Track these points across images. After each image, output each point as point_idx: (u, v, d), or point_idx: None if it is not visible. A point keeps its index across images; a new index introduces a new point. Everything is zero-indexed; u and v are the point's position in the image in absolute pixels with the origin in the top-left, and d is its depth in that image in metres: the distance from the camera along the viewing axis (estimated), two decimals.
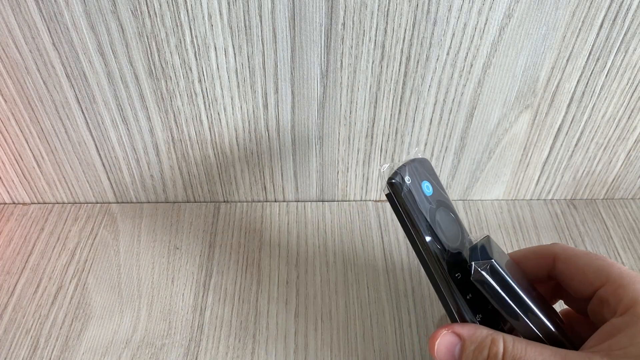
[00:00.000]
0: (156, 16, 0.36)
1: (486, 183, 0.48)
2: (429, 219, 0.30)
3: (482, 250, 0.30)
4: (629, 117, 0.43)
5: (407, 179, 0.30)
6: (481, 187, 0.49)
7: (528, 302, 0.28)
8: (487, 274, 0.28)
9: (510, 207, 0.50)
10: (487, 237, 0.31)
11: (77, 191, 0.49)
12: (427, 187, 0.31)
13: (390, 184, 0.30)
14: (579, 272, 0.28)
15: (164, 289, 0.43)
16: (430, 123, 0.43)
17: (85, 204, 0.50)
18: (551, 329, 0.28)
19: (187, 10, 0.35)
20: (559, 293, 0.33)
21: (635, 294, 0.25)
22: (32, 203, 0.50)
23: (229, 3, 0.35)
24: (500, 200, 0.50)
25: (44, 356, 0.38)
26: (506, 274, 0.28)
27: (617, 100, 0.42)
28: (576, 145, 0.46)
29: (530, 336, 0.28)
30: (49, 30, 0.36)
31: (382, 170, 0.30)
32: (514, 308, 0.28)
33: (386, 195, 0.30)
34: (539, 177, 0.48)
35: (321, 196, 0.49)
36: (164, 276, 0.44)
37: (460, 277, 0.30)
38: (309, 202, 0.50)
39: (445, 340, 0.28)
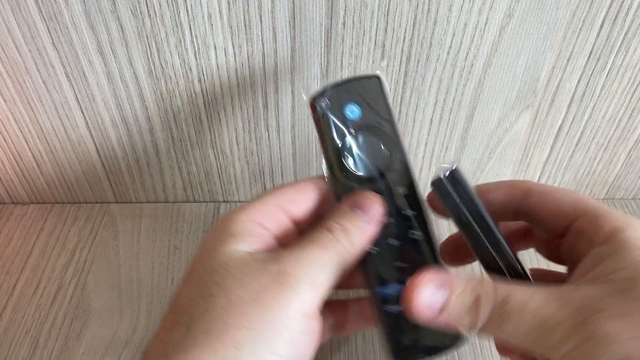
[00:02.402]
0: (156, 16, 0.36)
1: None
2: (338, 141, 0.29)
3: (450, 173, 0.28)
4: (629, 117, 0.43)
5: (324, 102, 0.29)
6: None
7: (492, 225, 0.26)
8: (447, 180, 0.27)
9: None
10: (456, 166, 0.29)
11: (76, 191, 0.49)
12: (351, 111, 0.30)
13: (310, 104, 0.30)
14: (554, 205, 0.27)
15: (164, 289, 0.42)
16: (431, 123, 0.43)
17: (85, 204, 0.50)
18: (518, 266, 0.27)
19: (187, 10, 0.35)
20: (528, 238, 0.31)
21: (615, 222, 0.24)
22: (31, 203, 0.50)
23: (229, 3, 0.35)
24: None
25: (44, 356, 0.38)
26: (469, 186, 0.27)
27: (617, 100, 0.42)
28: (577, 145, 0.46)
29: (492, 268, 0.27)
30: (49, 30, 0.36)
31: (308, 91, 0.30)
32: (474, 227, 0.26)
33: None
34: (539, 177, 0.48)
35: None
36: (163, 276, 0.43)
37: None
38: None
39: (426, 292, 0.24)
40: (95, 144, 0.44)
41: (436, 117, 0.42)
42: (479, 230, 0.26)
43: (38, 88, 0.40)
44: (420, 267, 0.26)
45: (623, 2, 0.36)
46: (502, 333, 0.23)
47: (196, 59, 0.38)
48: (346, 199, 0.29)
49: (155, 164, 0.46)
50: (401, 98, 0.41)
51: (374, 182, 0.30)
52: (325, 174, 0.30)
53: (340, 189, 0.30)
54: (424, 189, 0.29)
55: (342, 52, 0.38)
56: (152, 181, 0.48)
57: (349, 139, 0.30)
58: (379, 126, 0.30)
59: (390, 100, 0.31)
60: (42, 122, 0.42)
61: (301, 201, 0.30)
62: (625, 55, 0.39)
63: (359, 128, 0.30)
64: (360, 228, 0.27)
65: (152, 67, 0.38)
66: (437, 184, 0.27)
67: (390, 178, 0.30)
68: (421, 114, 0.42)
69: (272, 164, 0.46)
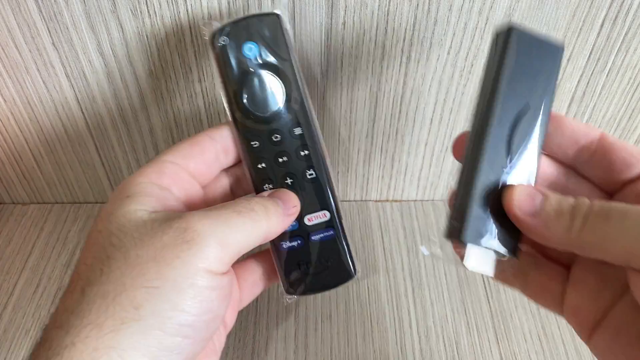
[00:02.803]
0: (156, 15, 0.36)
1: None
2: (236, 80, 0.30)
3: None
4: (629, 117, 0.43)
5: (223, 39, 0.30)
6: None
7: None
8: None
9: None
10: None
11: (76, 191, 0.49)
12: (249, 49, 0.30)
13: (210, 41, 0.30)
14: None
15: None
16: (431, 123, 0.43)
17: (85, 204, 0.50)
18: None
19: (186, 10, 0.35)
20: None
21: None
22: (31, 203, 0.50)
23: (228, 3, 0.35)
24: None
25: None
26: None
27: (617, 100, 0.42)
28: None
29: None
30: (49, 30, 0.36)
31: (209, 29, 0.30)
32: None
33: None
34: None
35: None
36: None
37: (258, 146, 0.30)
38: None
39: (526, 189, 0.24)
40: (95, 144, 0.44)
41: (436, 117, 0.42)
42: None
43: (38, 88, 0.40)
44: (316, 204, 0.28)
45: (623, 2, 0.36)
46: (601, 236, 0.21)
47: (196, 59, 0.38)
48: (266, 192, 0.30)
49: None
50: (401, 98, 0.41)
51: (272, 122, 0.30)
52: (227, 115, 0.30)
53: (241, 131, 0.30)
54: None
55: (342, 52, 0.38)
56: None
57: (247, 78, 0.30)
58: (278, 65, 0.30)
59: (291, 39, 0.31)
60: (42, 122, 0.42)
61: (198, 155, 0.29)
62: (625, 55, 0.39)
63: (257, 67, 0.30)
64: (279, 214, 0.28)
65: (152, 67, 0.38)
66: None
67: (288, 118, 0.30)
68: (421, 114, 0.42)
69: None
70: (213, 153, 0.30)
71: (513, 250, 0.24)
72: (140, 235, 0.23)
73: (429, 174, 0.47)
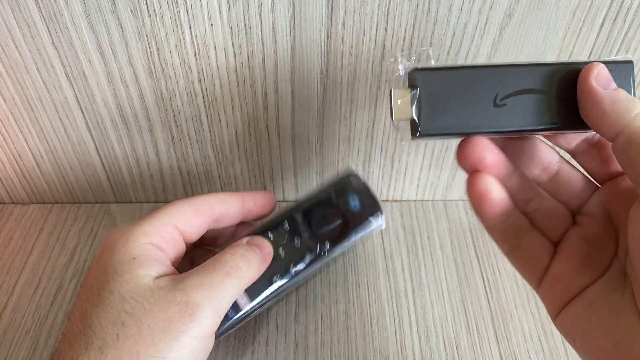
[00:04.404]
0: (156, 15, 0.36)
1: None
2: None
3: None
4: None
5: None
6: None
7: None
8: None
9: None
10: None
11: (76, 191, 0.49)
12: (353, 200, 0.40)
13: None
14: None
15: None
16: None
17: (85, 204, 0.50)
18: None
19: (186, 10, 0.35)
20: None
21: None
22: (31, 203, 0.50)
23: (229, 3, 0.35)
24: None
25: (44, 356, 0.38)
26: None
27: None
28: None
29: None
30: (49, 30, 0.36)
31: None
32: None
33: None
34: None
35: None
36: None
37: None
38: None
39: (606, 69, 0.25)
40: (95, 144, 0.44)
41: None
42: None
43: (38, 88, 0.40)
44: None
45: (623, 2, 0.36)
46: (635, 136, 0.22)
47: (196, 59, 0.38)
48: (244, 237, 0.34)
49: (155, 163, 0.46)
50: None
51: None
52: None
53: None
54: None
55: (342, 52, 0.38)
56: (152, 181, 0.48)
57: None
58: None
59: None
60: (42, 122, 0.42)
61: (197, 223, 0.33)
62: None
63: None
64: (257, 261, 0.32)
65: (152, 67, 0.38)
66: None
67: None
68: None
69: (272, 164, 0.46)
70: (208, 222, 0.34)
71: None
72: (150, 305, 0.27)
73: (429, 174, 0.47)
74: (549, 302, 0.26)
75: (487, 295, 0.42)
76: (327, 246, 0.38)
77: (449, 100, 0.24)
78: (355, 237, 0.39)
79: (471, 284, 0.43)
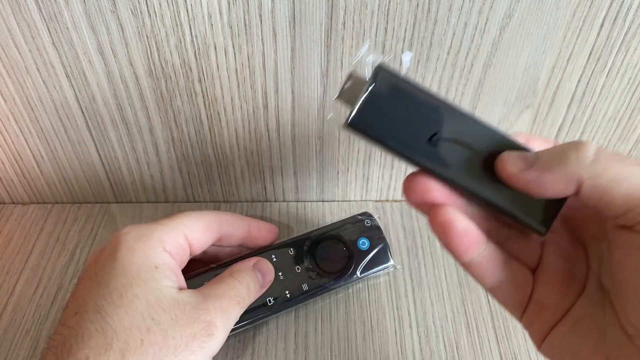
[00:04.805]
0: (156, 15, 0.36)
1: None
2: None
3: None
4: (629, 117, 0.43)
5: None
6: None
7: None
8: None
9: None
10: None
11: (76, 191, 0.49)
12: (363, 244, 0.43)
13: None
14: None
15: None
16: None
17: (85, 204, 0.50)
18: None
19: (186, 10, 0.35)
20: None
21: None
22: (31, 203, 0.50)
23: (229, 3, 0.35)
24: None
25: None
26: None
27: (617, 100, 0.42)
28: None
29: None
30: (49, 30, 0.36)
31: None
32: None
33: None
34: None
35: (321, 196, 0.49)
36: None
37: None
38: (309, 202, 0.50)
39: (514, 152, 0.24)
40: (95, 144, 0.44)
41: None
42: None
43: (38, 88, 0.40)
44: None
45: (623, 2, 0.36)
46: (616, 173, 0.20)
47: (196, 59, 0.38)
48: (251, 259, 0.37)
49: (155, 164, 0.46)
50: None
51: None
52: None
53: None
54: None
55: (342, 52, 0.38)
56: (152, 181, 0.48)
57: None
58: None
59: None
60: (42, 122, 0.42)
61: (205, 239, 0.35)
62: (625, 55, 0.39)
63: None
64: (257, 288, 0.35)
65: (152, 67, 0.38)
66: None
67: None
68: None
69: (272, 164, 0.46)
70: (214, 239, 0.36)
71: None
72: (176, 317, 0.28)
73: None
74: (534, 330, 0.25)
75: (487, 295, 0.42)
76: (328, 279, 0.40)
77: (393, 110, 0.23)
78: (360, 276, 0.41)
79: (471, 284, 0.43)
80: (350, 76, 0.24)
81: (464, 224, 0.24)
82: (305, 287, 0.39)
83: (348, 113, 0.23)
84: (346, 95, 0.24)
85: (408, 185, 0.25)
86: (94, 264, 0.31)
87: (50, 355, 0.27)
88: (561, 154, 0.22)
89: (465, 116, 0.24)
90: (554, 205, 0.24)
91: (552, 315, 0.24)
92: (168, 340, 0.27)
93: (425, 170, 0.24)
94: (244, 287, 0.33)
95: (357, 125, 0.23)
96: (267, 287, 0.37)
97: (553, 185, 0.22)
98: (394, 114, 0.23)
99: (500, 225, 0.26)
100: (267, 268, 0.37)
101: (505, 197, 0.24)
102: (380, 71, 0.23)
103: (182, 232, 0.33)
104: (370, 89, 0.23)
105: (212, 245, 0.37)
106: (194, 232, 0.34)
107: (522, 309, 0.26)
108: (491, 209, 0.25)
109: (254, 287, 0.35)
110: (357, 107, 0.23)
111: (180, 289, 0.31)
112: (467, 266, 0.25)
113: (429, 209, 0.24)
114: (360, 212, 0.45)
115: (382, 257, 0.42)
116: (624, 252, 0.21)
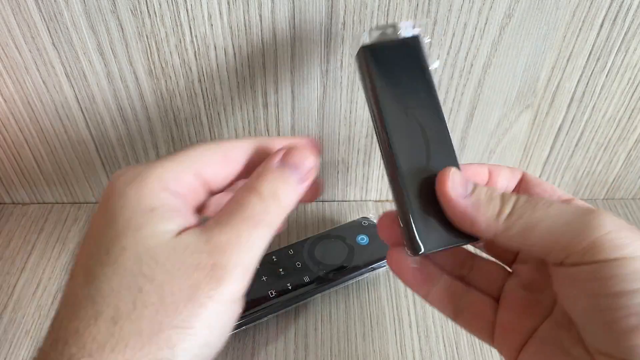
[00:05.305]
0: (156, 16, 0.36)
1: None
2: None
3: None
4: (629, 117, 0.43)
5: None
6: None
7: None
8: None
9: None
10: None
11: (76, 191, 0.49)
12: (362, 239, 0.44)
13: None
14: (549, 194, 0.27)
15: None
16: None
17: (85, 204, 0.50)
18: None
19: (186, 10, 0.35)
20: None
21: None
22: (31, 203, 0.50)
23: (228, 3, 0.35)
24: None
25: None
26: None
27: (617, 100, 0.42)
28: (576, 145, 0.46)
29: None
30: (49, 30, 0.36)
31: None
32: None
33: None
34: (539, 177, 0.48)
35: (321, 196, 0.49)
36: None
37: None
38: (309, 202, 0.50)
39: (459, 174, 0.25)
40: (95, 144, 0.44)
41: None
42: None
43: (38, 88, 0.40)
44: None
45: (623, 2, 0.36)
46: (528, 221, 0.23)
47: (196, 59, 0.38)
48: (276, 153, 0.26)
49: None
50: None
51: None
52: None
53: None
54: None
55: (342, 52, 0.38)
56: None
57: None
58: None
59: None
60: (42, 122, 0.42)
61: (224, 174, 0.27)
62: (625, 55, 0.39)
63: None
64: (291, 190, 0.25)
65: (152, 67, 0.38)
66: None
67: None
68: None
69: None
70: (238, 172, 0.27)
71: (469, 235, 0.25)
72: (172, 268, 0.23)
73: None
74: (505, 352, 0.26)
75: None
76: (329, 271, 0.40)
77: (399, 70, 0.27)
78: (361, 270, 0.41)
79: None
80: (392, 26, 0.27)
81: (414, 262, 0.27)
82: (306, 278, 0.40)
83: (369, 41, 0.27)
84: (378, 33, 0.27)
85: (379, 221, 0.27)
86: (91, 220, 0.26)
87: (50, 331, 0.23)
88: (488, 201, 0.24)
89: (440, 120, 0.27)
90: (453, 238, 0.25)
91: (518, 337, 0.25)
92: (165, 298, 0.22)
93: (382, 139, 0.26)
94: (267, 198, 0.24)
95: (369, 53, 0.26)
96: (310, 180, 0.26)
97: (473, 226, 0.24)
98: (397, 73, 0.26)
99: (463, 260, 0.28)
100: (301, 156, 0.26)
101: (421, 204, 0.25)
102: (414, 39, 0.27)
103: (190, 168, 0.26)
104: (397, 41, 0.27)
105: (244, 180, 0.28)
106: (206, 165, 0.26)
107: (490, 334, 0.27)
108: (397, 204, 0.26)
109: (286, 189, 0.25)
110: (379, 43, 0.27)
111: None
112: (426, 298, 0.28)
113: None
114: (359, 217, 0.46)
115: (382, 251, 0.42)
116: (562, 284, 0.23)
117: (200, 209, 0.27)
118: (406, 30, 0.27)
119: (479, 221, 0.23)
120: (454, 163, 0.26)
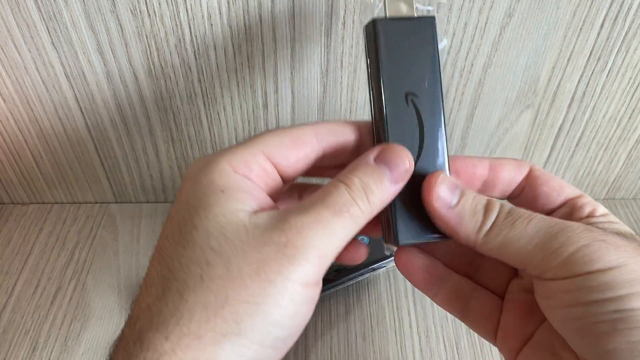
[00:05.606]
0: (155, 15, 0.36)
1: None
2: None
3: None
4: (629, 117, 0.43)
5: None
6: None
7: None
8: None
9: None
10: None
11: (76, 191, 0.49)
12: None
13: None
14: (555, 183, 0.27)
15: None
16: None
17: (85, 204, 0.50)
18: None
19: (186, 10, 0.35)
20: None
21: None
22: (31, 203, 0.50)
23: (228, 2, 0.35)
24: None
25: (43, 357, 0.38)
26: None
27: (618, 100, 0.42)
28: (577, 145, 0.45)
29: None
30: (48, 30, 0.36)
31: None
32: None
33: None
34: None
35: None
36: None
37: None
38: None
39: (448, 180, 0.25)
40: (95, 144, 0.44)
41: None
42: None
43: (38, 88, 0.40)
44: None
45: (623, 2, 0.36)
46: (505, 238, 0.23)
47: (196, 58, 0.38)
48: (373, 149, 0.25)
49: (155, 164, 0.46)
50: None
51: None
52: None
53: None
54: None
55: (342, 52, 0.38)
56: (152, 181, 0.48)
57: None
58: None
59: None
60: (42, 122, 0.42)
61: (294, 157, 0.26)
62: (625, 55, 0.39)
63: None
64: (383, 187, 0.24)
65: (152, 66, 0.38)
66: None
67: None
68: None
69: None
70: (310, 157, 0.26)
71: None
72: (241, 243, 0.22)
73: None
74: (505, 353, 0.27)
75: None
76: (330, 272, 0.38)
77: (406, 51, 0.26)
78: (362, 271, 0.41)
79: None
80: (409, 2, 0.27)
81: (423, 262, 0.27)
82: None
83: (380, 15, 0.27)
84: (394, 5, 0.27)
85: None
86: (170, 208, 0.26)
87: (129, 313, 0.24)
88: (471, 215, 0.24)
89: (439, 114, 0.26)
90: (434, 234, 0.25)
91: (516, 341, 0.26)
92: (232, 272, 0.21)
93: (377, 120, 0.26)
94: (356, 190, 0.24)
95: (381, 27, 0.26)
96: (404, 181, 0.25)
97: (453, 235, 0.24)
98: (405, 54, 0.26)
99: (471, 260, 0.28)
100: (399, 156, 0.25)
101: (405, 199, 0.25)
102: (429, 20, 0.26)
103: (260, 151, 0.25)
104: (412, 19, 0.26)
105: (322, 166, 0.27)
106: (275, 149, 0.25)
107: (493, 335, 0.27)
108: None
109: (377, 185, 0.24)
110: (390, 18, 0.27)
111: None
112: (434, 298, 0.28)
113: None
114: None
115: (382, 252, 0.42)
116: (539, 294, 0.24)
117: (275, 196, 0.26)
118: (422, 9, 0.27)
119: (460, 233, 0.24)
120: (445, 162, 0.25)
